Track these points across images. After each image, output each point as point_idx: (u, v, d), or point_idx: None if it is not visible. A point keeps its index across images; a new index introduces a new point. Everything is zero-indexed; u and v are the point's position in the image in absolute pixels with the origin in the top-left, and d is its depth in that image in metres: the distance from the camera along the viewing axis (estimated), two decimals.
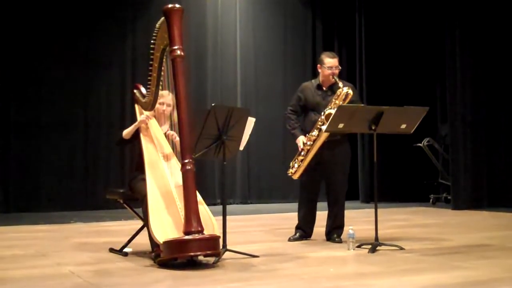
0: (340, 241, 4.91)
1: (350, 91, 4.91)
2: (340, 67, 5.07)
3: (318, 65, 5.12)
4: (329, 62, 5.02)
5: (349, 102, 4.89)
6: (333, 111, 4.72)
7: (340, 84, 4.93)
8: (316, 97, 5.06)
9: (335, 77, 4.97)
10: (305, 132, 5.03)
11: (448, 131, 9.01)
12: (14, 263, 4.14)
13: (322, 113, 4.91)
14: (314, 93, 5.08)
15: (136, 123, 4.40)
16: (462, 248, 4.65)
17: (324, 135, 4.86)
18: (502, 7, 8.50)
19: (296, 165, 5.01)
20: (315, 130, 4.93)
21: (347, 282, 3.44)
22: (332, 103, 4.91)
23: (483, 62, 8.64)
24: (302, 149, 4.98)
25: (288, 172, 5.09)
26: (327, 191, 5.12)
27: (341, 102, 4.87)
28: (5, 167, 8.40)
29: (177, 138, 4.33)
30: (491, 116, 8.68)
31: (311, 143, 4.93)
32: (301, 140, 5.01)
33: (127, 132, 4.43)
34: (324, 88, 5.07)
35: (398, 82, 9.99)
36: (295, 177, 5.06)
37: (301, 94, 5.15)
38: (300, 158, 4.99)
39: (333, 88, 5.02)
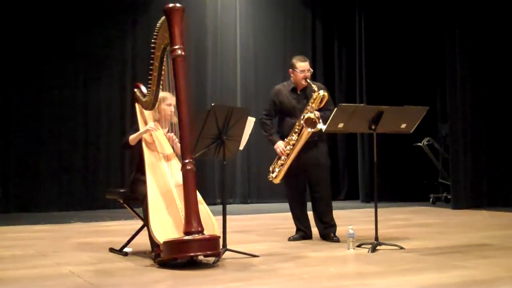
0: (338, 239, 4.92)
1: (326, 94, 4.96)
2: (311, 70, 5.10)
3: (290, 70, 5.13)
4: (301, 66, 5.05)
5: (324, 104, 4.95)
6: (312, 115, 4.85)
7: (315, 88, 4.96)
8: (292, 101, 5.09)
9: (308, 80, 5.00)
10: (282, 136, 5.08)
11: (448, 131, 9.01)
12: (14, 263, 4.14)
13: (302, 117, 4.93)
14: (289, 97, 5.12)
15: (143, 130, 4.34)
16: (462, 248, 4.64)
17: (304, 138, 4.92)
18: (502, 7, 8.50)
19: (277, 170, 5.07)
20: (294, 134, 4.97)
21: (347, 281, 3.44)
22: (310, 107, 4.95)
23: (483, 61, 8.63)
24: (282, 154, 5.02)
25: (268, 177, 5.15)
26: (311, 192, 5.13)
27: (317, 105, 4.93)
28: (5, 166, 8.40)
29: (177, 140, 4.32)
30: (491, 115, 8.67)
31: (291, 147, 4.98)
32: (280, 145, 5.04)
33: (133, 138, 4.34)
34: (299, 92, 5.11)
35: (398, 82, 9.99)
36: (276, 181, 5.12)
37: (276, 99, 5.19)
38: (280, 162, 5.05)
39: (306, 91, 5.08)
